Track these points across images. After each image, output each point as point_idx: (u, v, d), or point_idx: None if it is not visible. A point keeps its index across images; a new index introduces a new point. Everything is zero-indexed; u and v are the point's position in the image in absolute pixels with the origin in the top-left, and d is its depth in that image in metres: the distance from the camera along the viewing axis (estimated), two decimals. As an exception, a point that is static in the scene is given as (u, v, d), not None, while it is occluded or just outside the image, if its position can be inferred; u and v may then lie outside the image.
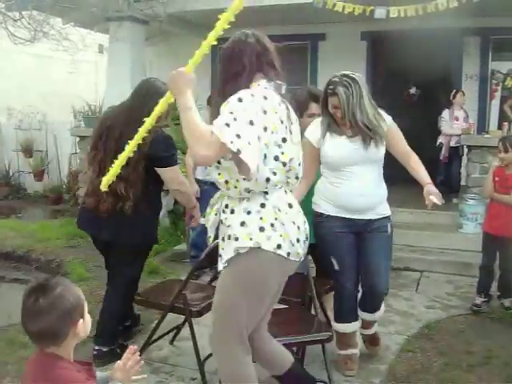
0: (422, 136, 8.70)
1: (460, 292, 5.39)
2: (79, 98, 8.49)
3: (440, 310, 4.89)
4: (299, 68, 9.93)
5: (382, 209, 3.46)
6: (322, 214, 3.47)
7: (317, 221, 3.46)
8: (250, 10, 7.58)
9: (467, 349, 4.02)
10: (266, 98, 2.44)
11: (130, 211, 3.59)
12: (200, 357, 3.42)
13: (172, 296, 3.55)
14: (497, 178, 4.81)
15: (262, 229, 2.44)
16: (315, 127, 3.54)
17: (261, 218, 2.45)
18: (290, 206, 2.54)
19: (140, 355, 3.64)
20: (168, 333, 3.97)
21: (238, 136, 2.25)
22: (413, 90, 10.03)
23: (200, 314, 3.62)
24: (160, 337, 3.88)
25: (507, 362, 3.76)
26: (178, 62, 9.59)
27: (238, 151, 2.24)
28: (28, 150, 10.32)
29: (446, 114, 7.94)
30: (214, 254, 3.36)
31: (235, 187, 2.48)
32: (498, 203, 4.80)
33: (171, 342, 4.05)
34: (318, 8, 6.89)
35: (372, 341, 3.84)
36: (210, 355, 3.30)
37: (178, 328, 3.98)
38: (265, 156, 2.41)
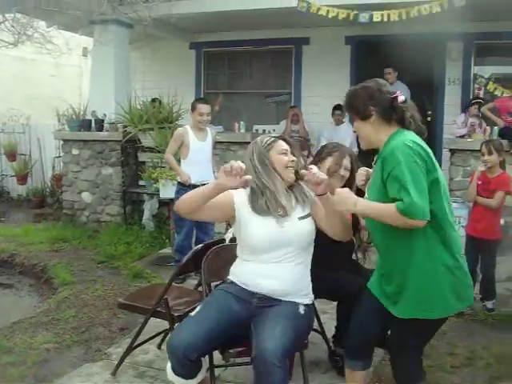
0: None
1: (443, 294, 5.42)
2: (63, 102, 8.45)
3: (424, 313, 4.92)
4: (284, 72, 9.97)
5: None
6: None
7: None
8: (235, 15, 7.68)
9: (450, 350, 4.05)
10: None
11: None
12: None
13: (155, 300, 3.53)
14: (479, 182, 4.86)
15: None
16: None
17: None
18: None
19: (123, 359, 3.69)
20: (154, 337, 3.96)
21: None
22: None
23: (182, 319, 3.61)
24: (145, 341, 3.87)
25: (490, 362, 3.79)
26: (163, 65, 9.70)
27: None
28: (11, 155, 10.24)
29: (459, 117, 7.95)
30: (199, 258, 3.38)
31: None
32: (481, 206, 4.85)
33: (159, 347, 4.03)
34: (303, 12, 6.93)
35: None
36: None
37: (165, 332, 3.97)
38: None
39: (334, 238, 3.03)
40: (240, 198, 3.01)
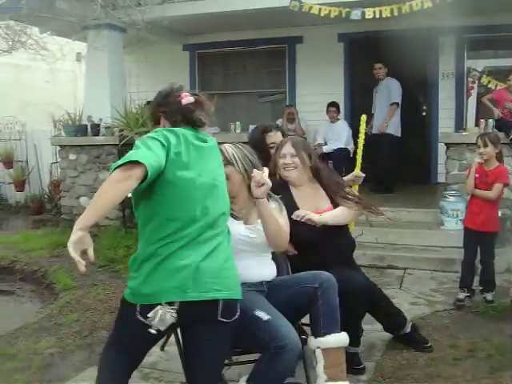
0: (403, 133, 8.82)
1: (443, 288, 5.46)
2: (58, 107, 8.46)
3: (424, 306, 4.95)
4: (278, 71, 10.00)
5: None
6: None
7: None
8: (227, 15, 7.70)
9: (452, 343, 4.07)
10: None
11: None
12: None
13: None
14: (477, 175, 4.89)
15: None
16: None
17: None
18: None
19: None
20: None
21: None
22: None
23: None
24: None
25: (491, 354, 3.81)
26: (157, 68, 9.73)
27: None
28: (8, 162, 10.25)
29: None
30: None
31: None
32: (479, 199, 4.88)
33: (162, 348, 4.05)
34: (295, 11, 6.95)
35: None
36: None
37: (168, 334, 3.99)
38: None
39: (270, 245, 3.15)
40: None
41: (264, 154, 3.68)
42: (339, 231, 3.68)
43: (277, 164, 3.65)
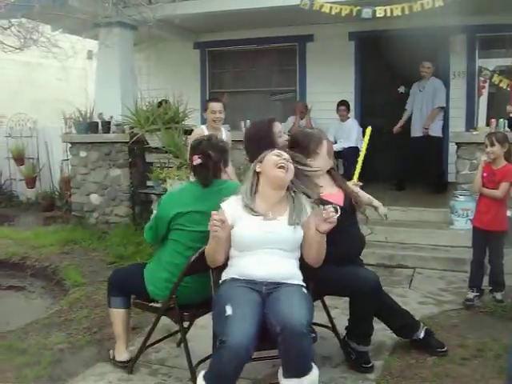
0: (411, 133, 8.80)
1: (452, 287, 5.44)
2: (69, 104, 8.50)
3: (433, 306, 4.94)
4: (288, 70, 10.00)
5: None
6: None
7: None
8: (238, 13, 7.71)
9: (460, 342, 4.06)
10: None
11: None
12: (191, 360, 3.42)
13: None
14: (485, 174, 4.88)
15: None
16: None
17: None
18: None
19: (138, 358, 3.74)
20: (167, 337, 4.01)
21: None
22: (401, 89, 10.09)
23: (192, 317, 3.65)
24: (158, 340, 3.93)
25: (499, 354, 3.80)
26: (167, 66, 9.78)
27: None
28: (19, 159, 10.32)
29: None
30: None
31: None
32: (487, 198, 4.87)
33: (178, 345, 4.06)
34: (305, 9, 6.94)
35: None
36: (206, 358, 3.33)
37: (181, 331, 4.00)
38: None
39: (305, 259, 3.24)
40: (230, 205, 3.24)
41: (272, 144, 3.70)
42: (354, 222, 3.74)
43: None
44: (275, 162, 3.17)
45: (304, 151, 3.60)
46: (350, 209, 3.64)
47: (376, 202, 4.07)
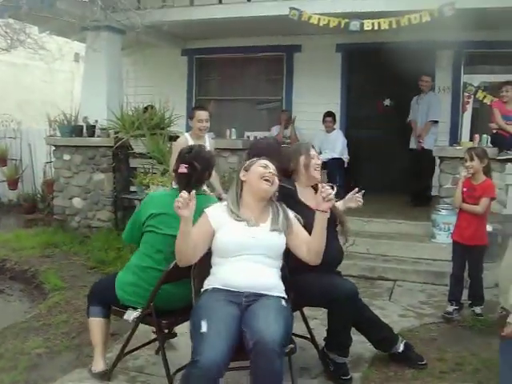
0: (396, 146, 8.88)
1: (433, 300, 5.47)
2: (55, 107, 8.45)
3: (413, 319, 4.96)
4: (275, 79, 10.03)
5: None
6: None
7: None
8: (225, 22, 7.73)
9: (439, 356, 4.08)
10: None
11: None
12: (169, 368, 3.39)
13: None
14: (465, 189, 4.92)
15: None
16: None
17: None
18: None
19: (116, 365, 3.70)
20: (145, 345, 3.97)
21: None
22: (387, 102, 10.17)
23: (171, 325, 3.64)
24: (136, 348, 3.89)
25: (478, 368, 3.83)
26: (154, 72, 9.77)
27: None
28: (2, 160, 10.24)
29: None
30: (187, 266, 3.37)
31: None
32: (467, 213, 4.91)
33: (157, 352, 4.02)
34: (294, 20, 6.98)
35: None
36: (184, 367, 3.30)
37: (158, 340, 3.97)
38: None
39: (304, 258, 3.27)
40: (214, 210, 3.26)
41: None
42: (333, 236, 3.74)
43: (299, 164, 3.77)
44: (261, 174, 3.20)
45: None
46: (330, 223, 3.66)
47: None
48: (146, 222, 3.51)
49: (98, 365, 3.72)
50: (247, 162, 3.33)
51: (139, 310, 3.52)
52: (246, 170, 3.28)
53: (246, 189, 3.26)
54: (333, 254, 3.68)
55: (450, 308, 4.95)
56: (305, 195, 3.73)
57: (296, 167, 3.78)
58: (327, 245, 3.46)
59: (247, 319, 2.94)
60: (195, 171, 3.51)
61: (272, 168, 3.26)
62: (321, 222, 3.16)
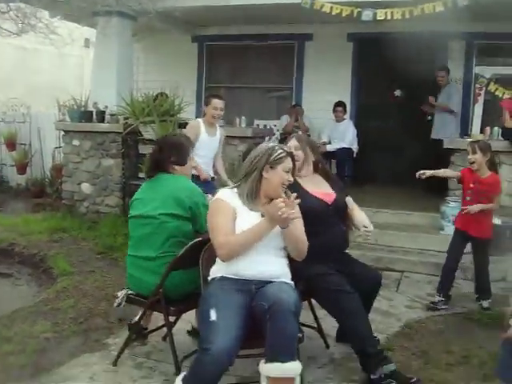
0: (406, 136, 8.84)
1: (440, 292, 5.46)
2: (64, 92, 8.44)
3: (420, 310, 4.96)
4: (285, 67, 9.98)
5: None
6: None
7: None
8: (238, 8, 7.69)
9: (446, 348, 4.08)
10: None
11: None
12: (177, 354, 3.42)
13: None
14: (471, 185, 4.88)
15: None
16: None
17: None
18: None
19: (124, 350, 3.72)
20: (153, 331, 3.99)
21: None
22: (397, 93, 10.11)
23: (179, 312, 3.65)
24: (146, 333, 3.91)
25: (485, 361, 3.82)
26: (165, 58, 9.75)
27: None
28: (11, 144, 10.25)
29: None
30: (195, 253, 3.37)
31: None
32: (473, 203, 4.85)
33: (164, 339, 4.01)
34: (306, 8, 6.93)
35: None
36: (192, 353, 3.31)
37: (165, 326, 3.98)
38: None
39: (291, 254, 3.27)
40: (227, 195, 3.23)
41: None
42: (337, 222, 3.80)
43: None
44: (283, 181, 3.15)
45: None
46: (335, 210, 3.74)
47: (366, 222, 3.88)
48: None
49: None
50: (273, 156, 3.17)
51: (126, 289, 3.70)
52: (272, 168, 3.17)
53: (264, 183, 3.19)
54: (335, 238, 3.75)
55: (437, 298, 4.98)
56: (305, 182, 3.79)
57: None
58: (329, 228, 3.53)
59: (259, 296, 3.01)
60: (158, 154, 3.71)
61: (291, 177, 3.21)
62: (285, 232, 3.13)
